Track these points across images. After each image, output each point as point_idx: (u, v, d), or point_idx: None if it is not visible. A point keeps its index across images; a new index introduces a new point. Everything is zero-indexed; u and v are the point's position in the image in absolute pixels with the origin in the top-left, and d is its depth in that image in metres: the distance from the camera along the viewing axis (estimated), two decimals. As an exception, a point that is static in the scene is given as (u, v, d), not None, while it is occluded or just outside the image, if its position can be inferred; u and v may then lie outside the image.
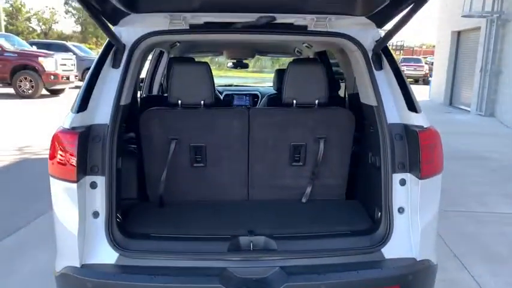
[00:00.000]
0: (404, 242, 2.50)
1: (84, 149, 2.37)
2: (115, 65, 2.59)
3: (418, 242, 2.48)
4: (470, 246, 4.55)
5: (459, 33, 19.08)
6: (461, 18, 16.51)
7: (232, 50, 5.75)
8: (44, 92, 17.14)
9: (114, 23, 2.63)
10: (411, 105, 2.57)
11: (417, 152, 2.45)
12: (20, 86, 16.30)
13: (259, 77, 12.38)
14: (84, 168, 2.38)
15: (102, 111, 2.48)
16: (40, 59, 16.34)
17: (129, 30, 2.65)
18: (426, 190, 2.50)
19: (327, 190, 3.12)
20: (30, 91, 16.33)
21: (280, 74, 4.74)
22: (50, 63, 16.46)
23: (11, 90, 16.66)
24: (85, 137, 2.38)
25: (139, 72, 3.42)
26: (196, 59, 4.36)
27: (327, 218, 2.80)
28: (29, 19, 53.05)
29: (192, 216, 2.80)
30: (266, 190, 3.11)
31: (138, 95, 4.04)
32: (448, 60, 19.45)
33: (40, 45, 20.10)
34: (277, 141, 3.02)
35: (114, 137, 2.46)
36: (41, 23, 54.41)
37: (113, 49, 2.61)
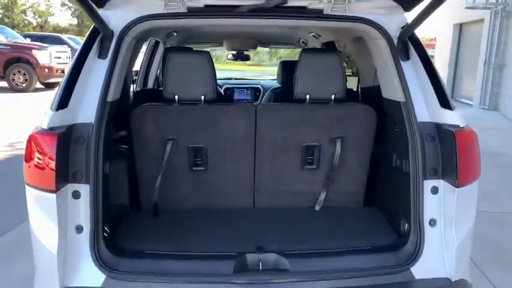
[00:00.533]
0: (437, 260, 2.18)
1: (64, 153, 2.04)
2: (101, 54, 2.25)
3: (453, 259, 2.16)
4: (488, 251, 4.21)
5: (461, 25, 18.73)
6: (463, 10, 16.12)
7: (233, 40, 5.37)
8: (38, 85, 16.69)
9: (101, 5, 2.27)
10: (444, 101, 2.24)
11: (453, 155, 2.12)
12: (14, 80, 15.86)
13: (257, 71, 12.01)
14: (65, 175, 2.04)
15: (86, 109, 2.14)
16: (34, 52, 15.89)
17: (118, 14, 2.30)
18: (462, 199, 2.17)
19: (343, 196, 2.79)
20: (24, 84, 15.90)
21: (286, 66, 4.38)
22: (44, 56, 16.01)
23: (4, 84, 16.22)
24: (66, 139, 2.04)
25: (131, 64, 3.07)
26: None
27: (344, 230, 2.47)
28: (24, 12, 52.41)
29: (191, 228, 2.46)
30: (275, 197, 2.77)
31: (131, 90, 3.68)
32: (450, 53, 19.09)
33: (34, 38, 19.63)
34: (287, 142, 2.67)
35: (100, 138, 2.12)
36: (36, 16, 53.83)
37: (99, 36, 2.27)
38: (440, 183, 2.21)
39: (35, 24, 53.07)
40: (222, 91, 5.48)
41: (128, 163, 2.72)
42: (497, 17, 14.91)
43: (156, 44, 4.77)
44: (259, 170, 2.72)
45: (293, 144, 2.66)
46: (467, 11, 16.00)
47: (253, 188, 2.75)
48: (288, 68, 4.32)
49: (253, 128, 2.62)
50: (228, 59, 6.22)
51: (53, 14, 55.19)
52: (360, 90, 3.62)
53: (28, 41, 18.07)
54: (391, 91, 2.45)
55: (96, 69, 2.22)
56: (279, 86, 4.61)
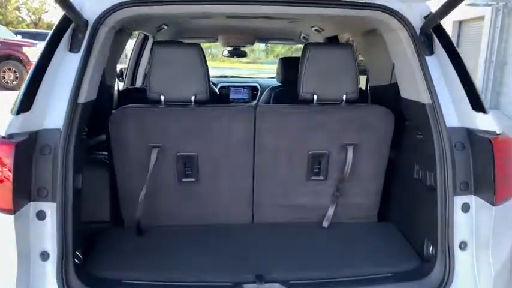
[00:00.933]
0: None
1: (26, 165, 1.70)
2: (73, 47, 1.91)
3: None
4: None
5: (460, 23, 18.43)
6: (462, 7, 15.76)
7: (228, 35, 4.99)
8: (29, 83, 16.31)
9: None
10: (476, 102, 1.91)
11: (489, 167, 1.79)
12: (4, 77, 15.48)
13: (254, 69, 11.65)
14: (26, 192, 1.71)
15: (53, 112, 1.81)
16: (25, 49, 15.52)
17: (92, 0, 1.95)
18: (500, 218, 1.85)
19: (354, 211, 2.45)
20: (14, 82, 15.45)
21: (286, 64, 4.02)
22: (35, 53, 15.60)
23: (-6, 82, 15.85)
24: (27, 148, 1.70)
25: (113, 59, 2.72)
26: None
27: (358, 253, 2.13)
28: (18, 9, 51.88)
29: (179, 249, 2.12)
30: (276, 211, 2.43)
31: (116, 89, 3.32)
32: (449, 51, 18.81)
33: (25, 35, 19.23)
34: (291, 149, 2.32)
35: (70, 147, 1.78)
36: (30, 13, 53.30)
37: (71, 26, 1.92)
38: (472, 200, 1.89)
39: (28, 21, 52.50)
40: (216, 90, 5.11)
41: (109, 172, 2.37)
42: (499, 14, 14.61)
43: (146, 38, 4.40)
44: (258, 181, 2.37)
45: (298, 151, 2.31)
46: (467, 8, 15.64)
47: (251, 201, 2.41)
48: (288, 65, 3.97)
49: (252, 133, 2.27)
50: (224, 56, 5.83)
51: (47, 11, 54.63)
52: (369, 89, 3.27)
53: (19, 38, 17.67)
54: (413, 91, 2.11)
55: (67, 65, 1.87)
56: (279, 84, 4.24)
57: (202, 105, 2.25)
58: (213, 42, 5.49)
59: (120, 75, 4.67)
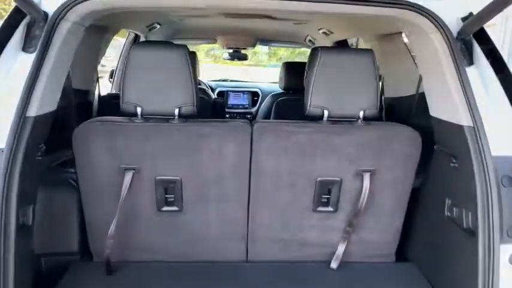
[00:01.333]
0: None
1: None
2: (27, 46, 1.52)
3: None
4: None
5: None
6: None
7: (228, 36, 4.57)
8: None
9: None
10: None
11: None
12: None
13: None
14: None
15: None
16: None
17: None
18: None
19: (369, 249, 2.05)
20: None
21: (290, 69, 3.62)
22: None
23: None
24: None
25: (92, 60, 2.34)
26: None
27: None
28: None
29: None
30: (275, 247, 2.03)
31: (96, 94, 2.93)
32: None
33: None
34: (295, 175, 1.91)
35: (15, 172, 1.38)
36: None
37: (25, 20, 1.53)
38: None
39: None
40: (213, 96, 4.70)
41: (78, 194, 1.97)
42: (509, 21, 14.23)
43: (136, 38, 4.00)
44: (254, 212, 1.97)
45: (303, 178, 1.91)
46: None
47: (246, 235, 2.01)
48: (293, 71, 3.57)
49: (248, 154, 1.87)
50: (224, 59, 5.40)
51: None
52: (383, 101, 2.86)
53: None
54: (448, 109, 1.71)
55: (18, 68, 1.48)
56: (281, 91, 3.83)
57: (188, 119, 1.85)
58: (212, 43, 5.08)
59: (110, 77, 4.29)
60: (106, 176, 1.82)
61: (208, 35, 4.61)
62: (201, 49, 8.78)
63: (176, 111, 1.81)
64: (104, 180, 1.83)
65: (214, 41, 4.83)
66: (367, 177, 1.88)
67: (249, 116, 4.99)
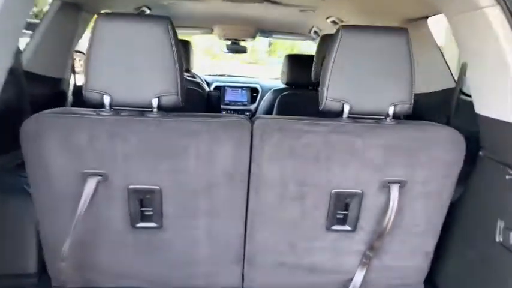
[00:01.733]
0: None
1: None
2: None
3: None
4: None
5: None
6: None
7: (225, 25, 4.17)
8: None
9: None
10: None
11: None
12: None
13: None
14: None
15: None
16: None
17: None
18: None
19: (393, 277, 1.66)
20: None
21: (295, 62, 3.23)
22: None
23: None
24: None
25: (66, 44, 1.96)
26: None
27: None
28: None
29: None
30: (278, 272, 1.64)
31: (72, 83, 2.53)
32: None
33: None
34: (305, 185, 1.51)
35: None
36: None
37: None
38: None
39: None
40: (207, 89, 4.28)
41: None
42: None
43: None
44: (253, 229, 1.58)
45: (315, 189, 1.52)
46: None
47: (242, 257, 1.62)
48: (297, 64, 3.19)
49: (247, 158, 1.48)
50: (224, 52, 4.98)
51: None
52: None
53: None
54: (502, 105, 1.33)
55: None
56: (284, 86, 3.44)
57: (170, 113, 1.46)
58: (208, 33, 4.66)
59: None
60: (63, 183, 1.43)
61: (204, 24, 4.21)
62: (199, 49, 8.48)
63: (155, 102, 1.41)
64: (61, 188, 1.44)
65: (211, 31, 4.43)
66: (395, 190, 1.49)
67: (247, 114, 4.60)
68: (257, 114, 3.81)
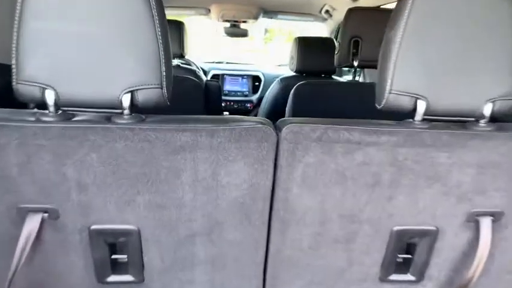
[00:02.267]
0: None
1: None
2: None
3: None
4: None
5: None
6: None
7: (224, 5, 3.64)
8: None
9: None
10: None
11: None
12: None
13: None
14: None
15: None
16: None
17: None
18: None
19: None
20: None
21: (307, 46, 2.73)
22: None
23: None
24: None
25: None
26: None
27: None
28: None
29: None
30: None
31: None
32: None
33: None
34: (355, 221, 1.03)
35: None
36: None
37: None
38: None
39: None
40: (205, 78, 3.77)
41: None
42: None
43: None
44: (276, 281, 1.10)
45: (369, 226, 1.04)
46: None
47: None
48: (310, 49, 2.70)
49: (270, 182, 0.99)
50: (223, 36, 4.46)
51: None
52: None
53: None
54: None
55: None
56: (293, 74, 2.93)
57: (150, 116, 0.97)
58: (204, 14, 4.13)
59: None
60: None
61: (200, 3, 3.69)
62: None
63: (126, 100, 0.90)
64: None
65: (208, 12, 3.91)
66: (486, 225, 1.01)
67: (249, 106, 4.11)
68: (261, 107, 3.29)
